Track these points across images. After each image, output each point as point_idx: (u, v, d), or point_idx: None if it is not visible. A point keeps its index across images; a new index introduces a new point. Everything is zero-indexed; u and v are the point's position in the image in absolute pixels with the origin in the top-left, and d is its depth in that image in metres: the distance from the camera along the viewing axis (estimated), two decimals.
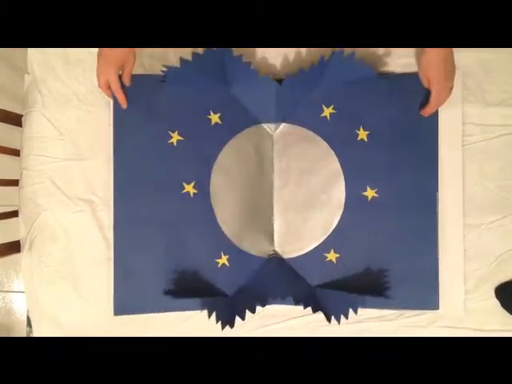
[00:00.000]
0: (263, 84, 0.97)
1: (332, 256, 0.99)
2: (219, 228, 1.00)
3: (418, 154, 0.97)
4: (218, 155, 1.00)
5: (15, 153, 1.14)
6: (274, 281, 0.98)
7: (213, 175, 1.00)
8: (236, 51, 0.94)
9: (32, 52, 1.09)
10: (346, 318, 0.93)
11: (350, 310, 0.93)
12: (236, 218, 1.00)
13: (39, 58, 1.09)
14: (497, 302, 0.97)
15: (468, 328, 0.97)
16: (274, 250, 1.00)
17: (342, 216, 0.99)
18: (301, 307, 0.93)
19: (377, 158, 0.98)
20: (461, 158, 0.98)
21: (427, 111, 0.95)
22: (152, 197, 0.99)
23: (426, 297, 0.97)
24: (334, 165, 0.99)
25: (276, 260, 0.99)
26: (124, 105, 0.97)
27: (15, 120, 1.14)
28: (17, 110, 1.15)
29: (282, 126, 1.00)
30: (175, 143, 0.99)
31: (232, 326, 0.92)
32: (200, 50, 0.93)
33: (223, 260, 1.00)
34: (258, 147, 1.00)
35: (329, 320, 0.92)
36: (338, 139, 0.99)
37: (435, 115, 0.96)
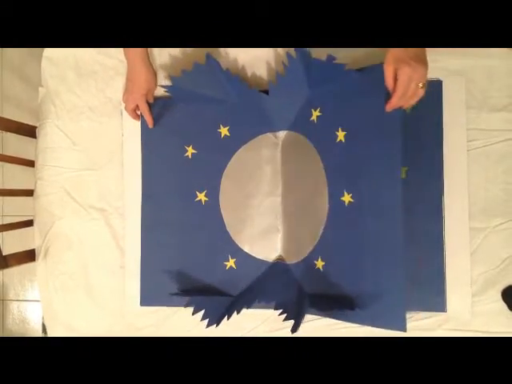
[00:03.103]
0: (253, 97, 0.99)
1: (319, 264, 0.96)
2: (227, 233, 1.03)
3: (386, 150, 0.86)
4: (227, 165, 1.04)
5: (30, 163, 1.17)
6: (267, 286, 1.00)
7: (222, 184, 1.04)
8: (223, 65, 0.97)
9: (45, 65, 1.13)
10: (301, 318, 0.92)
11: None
12: (243, 223, 1.03)
13: (52, 71, 1.12)
14: (503, 305, 0.97)
15: (475, 331, 0.97)
16: (280, 255, 1.02)
17: (325, 222, 0.95)
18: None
19: (352, 159, 0.91)
20: (465, 163, 0.98)
21: (392, 102, 0.81)
22: (170, 204, 1.06)
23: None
24: (319, 169, 0.95)
25: (280, 265, 1.01)
26: (151, 124, 1.05)
27: (30, 131, 1.17)
28: (31, 122, 1.19)
29: (285, 133, 1.01)
30: (190, 156, 1.05)
31: (217, 324, 0.95)
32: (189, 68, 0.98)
33: (230, 263, 1.03)
34: (264, 155, 1.02)
35: (293, 331, 0.90)
36: (322, 142, 0.95)
37: (398, 110, 0.84)
